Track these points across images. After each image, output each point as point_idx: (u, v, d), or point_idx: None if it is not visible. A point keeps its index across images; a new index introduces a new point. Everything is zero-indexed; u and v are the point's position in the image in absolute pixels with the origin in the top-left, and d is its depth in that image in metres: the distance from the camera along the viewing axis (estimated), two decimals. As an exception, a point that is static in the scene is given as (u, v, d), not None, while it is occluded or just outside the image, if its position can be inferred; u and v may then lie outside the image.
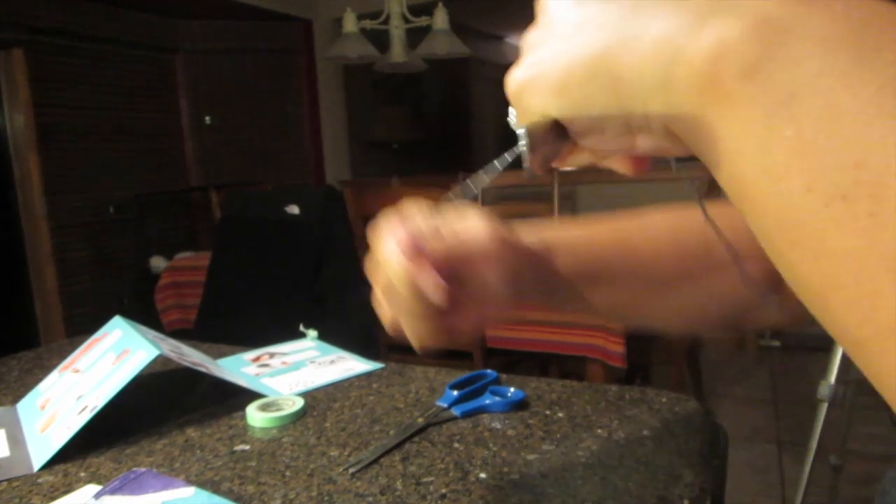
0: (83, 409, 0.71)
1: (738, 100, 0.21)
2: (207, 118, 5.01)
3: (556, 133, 0.30)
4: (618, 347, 1.84)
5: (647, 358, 2.44)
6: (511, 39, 8.63)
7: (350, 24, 3.15)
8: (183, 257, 3.38)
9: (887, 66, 0.18)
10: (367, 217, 2.41)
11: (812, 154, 0.19)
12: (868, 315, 0.19)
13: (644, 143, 0.27)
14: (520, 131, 0.32)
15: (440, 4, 3.14)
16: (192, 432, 0.73)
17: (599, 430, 0.67)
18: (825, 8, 0.20)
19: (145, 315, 1.91)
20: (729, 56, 0.21)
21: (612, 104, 0.26)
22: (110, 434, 0.71)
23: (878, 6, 0.20)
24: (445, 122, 7.22)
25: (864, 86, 0.18)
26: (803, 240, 0.20)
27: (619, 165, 0.32)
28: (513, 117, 0.34)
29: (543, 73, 0.28)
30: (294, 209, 2.28)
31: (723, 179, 0.23)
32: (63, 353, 0.93)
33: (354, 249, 2.35)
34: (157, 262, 4.25)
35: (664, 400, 0.73)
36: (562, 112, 0.28)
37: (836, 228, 0.19)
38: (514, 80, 0.31)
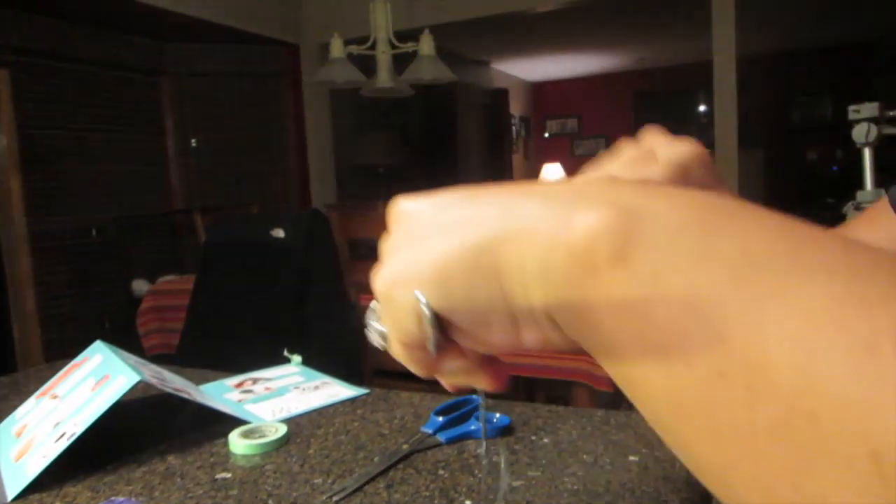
0: (60, 437, 0.70)
1: (612, 283, 0.22)
2: (193, 141, 5.00)
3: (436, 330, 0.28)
4: (604, 371, 1.84)
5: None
6: (496, 65, 8.72)
7: (337, 49, 3.17)
8: (166, 280, 3.35)
9: (730, 246, 0.20)
10: (353, 240, 2.41)
11: (685, 332, 0.20)
12: (768, 491, 0.19)
13: (530, 337, 0.26)
14: (381, 328, 0.30)
15: (426, 31, 3.17)
16: (172, 460, 0.71)
17: (585, 456, 0.67)
18: (670, 199, 0.23)
19: (126, 339, 1.89)
20: (599, 242, 0.22)
21: (496, 296, 0.25)
22: (88, 462, 0.70)
23: (709, 197, 0.23)
24: (431, 146, 7.25)
25: (713, 262, 0.20)
26: (694, 417, 0.21)
27: (485, 381, 0.31)
28: (374, 329, 0.32)
29: (419, 265, 0.27)
30: (279, 232, 2.27)
31: (609, 367, 0.24)
32: (41, 379, 0.92)
33: (340, 273, 2.34)
34: (140, 286, 4.21)
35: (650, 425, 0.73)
36: (442, 304, 0.26)
37: (721, 405, 0.20)
38: (385, 276, 0.28)
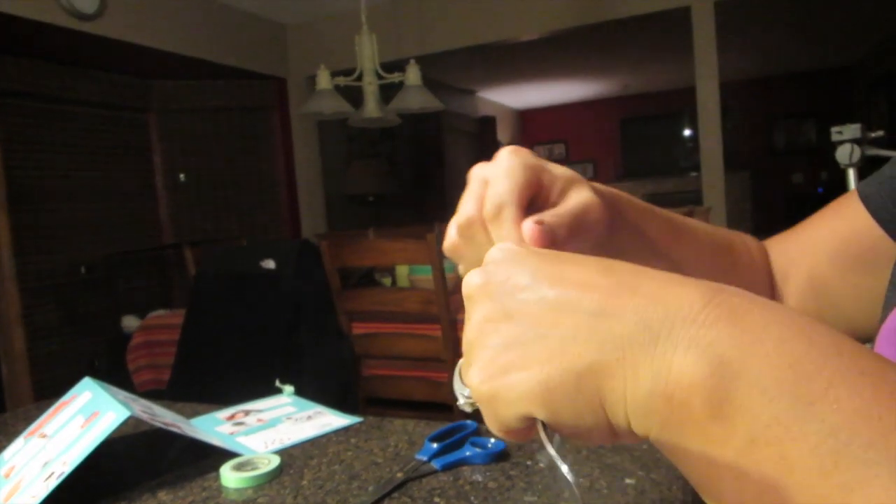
0: (49, 476, 0.69)
1: (708, 439, 0.24)
2: (181, 176, 5.01)
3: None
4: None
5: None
6: (482, 93, 8.81)
7: (324, 81, 3.20)
8: (156, 315, 3.32)
9: (821, 421, 0.21)
10: (344, 269, 2.40)
11: (775, 497, 0.22)
12: None
13: (626, 440, 0.28)
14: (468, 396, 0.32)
15: (412, 61, 3.21)
16: (163, 496, 0.70)
17: (581, 480, 0.66)
18: (764, 345, 0.23)
19: (117, 376, 1.87)
20: (696, 398, 0.23)
21: (602, 420, 0.26)
22: (78, 501, 0.69)
23: (805, 336, 0.23)
24: (420, 174, 7.29)
25: (805, 440, 0.21)
26: None
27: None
28: (461, 394, 0.33)
29: (522, 386, 0.27)
30: (270, 264, 2.26)
31: (702, 490, 0.26)
32: (30, 418, 0.91)
33: (331, 303, 2.33)
34: (130, 322, 4.17)
35: (645, 447, 0.73)
36: (548, 419, 0.27)
37: None
38: (487, 384, 0.28)
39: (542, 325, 0.27)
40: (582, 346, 0.26)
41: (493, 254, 0.31)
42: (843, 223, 0.52)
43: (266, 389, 1.08)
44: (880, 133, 2.16)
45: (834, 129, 2.13)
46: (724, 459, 0.23)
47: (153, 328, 2.96)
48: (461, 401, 0.33)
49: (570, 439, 0.29)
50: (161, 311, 3.52)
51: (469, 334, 0.30)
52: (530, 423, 0.28)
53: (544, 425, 0.28)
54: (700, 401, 0.23)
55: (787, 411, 0.22)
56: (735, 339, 0.23)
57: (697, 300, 0.25)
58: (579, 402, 0.26)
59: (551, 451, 0.27)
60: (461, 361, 0.32)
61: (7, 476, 0.75)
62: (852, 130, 2.06)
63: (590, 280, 0.28)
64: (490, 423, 0.30)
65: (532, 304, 0.28)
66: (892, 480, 0.20)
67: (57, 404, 0.87)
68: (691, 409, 0.24)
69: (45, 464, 0.72)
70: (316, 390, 1.14)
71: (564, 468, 0.26)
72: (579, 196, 0.37)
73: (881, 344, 0.40)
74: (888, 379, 0.22)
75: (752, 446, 0.22)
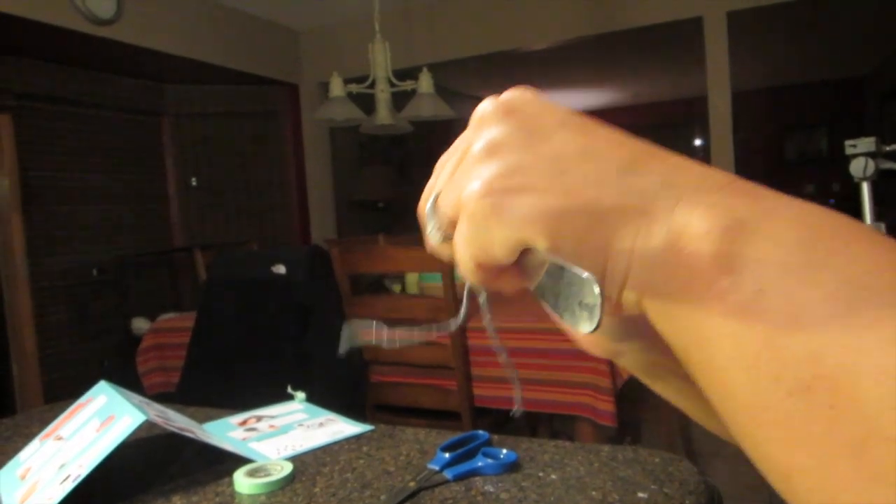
0: (66, 479, 0.69)
1: (715, 291, 0.23)
2: (194, 180, 5.04)
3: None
4: (607, 406, 1.83)
5: (637, 416, 2.42)
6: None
7: (337, 88, 3.22)
8: (166, 318, 3.34)
9: (837, 271, 0.21)
10: (354, 275, 2.41)
11: (778, 348, 0.21)
12: (831, 497, 0.21)
13: (610, 309, 0.27)
14: (438, 224, 0.29)
15: (424, 69, 3.22)
16: (177, 500, 0.71)
17: (594, 493, 0.66)
18: (782, 213, 0.23)
19: (127, 378, 1.88)
20: (711, 246, 0.23)
21: (598, 269, 0.25)
22: (93, 503, 0.69)
23: (824, 213, 0.23)
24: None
25: (819, 287, 0.21)
26: (771, 424, 0.22)
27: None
28: (433, 222, 0.30)
29: (533, 209, 0.26)
30: (280, 269, 2.27)
31: (692, 363, 0.25)
32: (44, 420, 0.91)
33: (341, 308, 2.33)
34: (140, 324, 4.19)
35: (657, 460, 0.73)
36: (546, 247, 0.26)
37: (801, 416, 0.21)
38: (491, 197, 0.26)
39: (564, 163, 0.26)
40: (604, 189, 0.25)
41: (511, 91, 0.30)
42: None
43: (275, 394, 1.08)
44: (895, 146, 2.14)
45: (848, 143, 2.12)
46: (728, 312, 0.23)
47: (163, 331, 2.97)
48: (430, 228, 0.30)
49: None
50: (171, 314, 3.54)
51: (473, 151, 0.28)
52: (513, 257, 0.27)
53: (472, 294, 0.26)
54: (711, 250, 0.23)
55: (801, 262, 0.22)
56: (754, 206, 0.24)
57: (721, 178, 0.25)
58: (586, 243, 0.25)
59: (566, 264, 0.26)
60: (435, 193, 0.30)
61: (23, 478, 0.76)
62: (867, 144, 2.05)
63: (620, 140, 0.27)
64: (467, 249, 0.28)
65: (558, 142, 0.27)
66: None
67: (73, 406, 0.88)
68: (700, 259, 0.23)
69: (62, 466, 0.73)
70: (325, 396, 1.14)
71: (587, 274, 0.25)
72: None
73: None
74: None
75: (761, 295, 0.22)
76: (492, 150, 0.27)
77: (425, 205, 0.31)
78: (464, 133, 0.30)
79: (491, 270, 0.28)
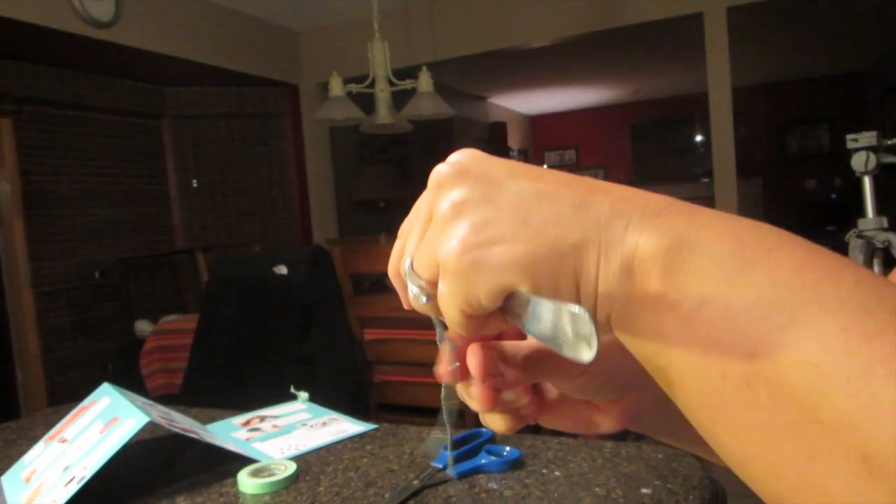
0: (70, 481, 0.70)
1: (666, 305, 0.26)
2: (194, 181, 5.04)
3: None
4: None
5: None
6: (493, 99, 8.82)
7: (337, 88, 3.22)
8: (169, 320, 3.35)
9: (763, 276, 0.25)
10: (356, 275, 2.41)
11: (722, 349, 0.25)
12: (779, 477, 0.24)
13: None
14: (421, 284, 0.31)
15: (424, 68, 3.22)
16: (182, 501, 0.71)
17: (597, 489, 0.66)
18: (714, 226, 0.27)
19: (130, 380, 1.88)
20: (657, 265, 0.27)
21: (574, 295, 0.28)
22: (98, 505, 0.69)
23: (748, 223, 0.27)
24: (431, 181, 7.29)
25: (748, 292, 0.25)
26: (723, 417, 0.26)
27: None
28: (414, 284, 0.31)
29: (505, 257, 0.28)
30: (282, 269, 2.27)
31: (655, 371, 0.29)
32: (48, 423, 0.92)
33: (343, 308, 2.34)
34: (143, 326, 4.20)
35: (661, 456, 0.73)
36: (528, 289, 0.28)
37: (747, 408, 0.25)
38: (466, 253, 0.28)
39: (524, 210, 0.29)
40: (565, 228, 0.28)
41: (457, 155, 0.32)
42: None
43: (278, 394, 1.09)
44: (896, 140, 2.14)
45: (849, 137, 2.12)
46: (677, 319, 0.26)
47: (166, 333, 2.98)
48: (414, 290, 0.32)
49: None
50: (174, 316, 3.54)
51: (439, 215, 0.30)
52: (498, 303, 0.29)
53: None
54: (658, 270, 0.26)
55: (733, 271, 0.25)
56: (690, 223, 0.27)
57: (660, 201, 0.28)
58: (560, 277, 0.28)
59: (554, 301, 0.28)
60: (409, 258, 0.32)
61: (28, 480, 0.76)
62: (868, 138, 2.05)
63: (566, 180, 0.30)
64: (453, 303, 0.30)
65: (512, 193, 0.29)
66: (819, 313, 0.23)
67: (76, 409, 0.88)
68: (650, 278, 0.27)
69: (66, 468, 0.73)
70: (328, 396, 1.14)
71: (577, 308, 0.27)
72: None
73: None
74: (818, 248, 0.26)
75: (702, 304, 0.25)
76: (457, 211, 0.30)
77: (396, 267, 0.33)
78: (421, 199, 0.32)
79: (478, 319, 0.30)
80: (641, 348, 0.28)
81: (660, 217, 0.28)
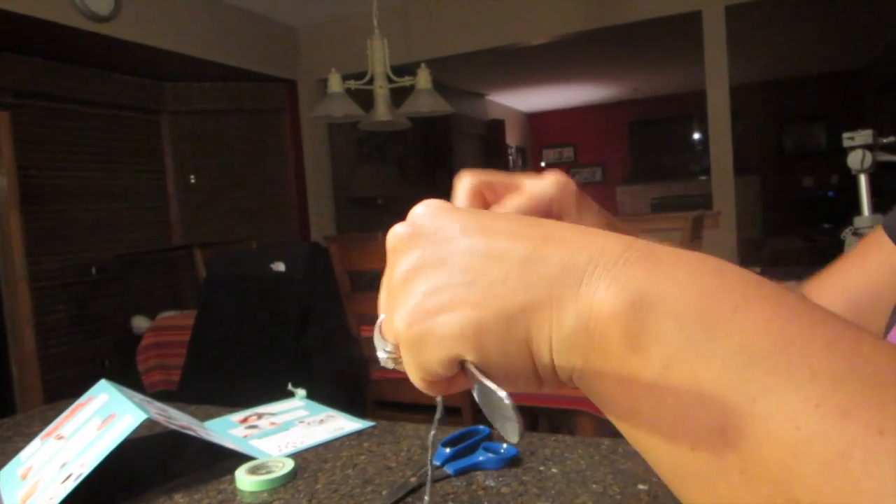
0: (67, 478, 0.70)
1: (627, 370, 0.25)
2: (192, 177, 5.03)
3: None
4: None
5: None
6: (492, 97, 8.82)
7: (335, 84, 3.21)
8: (166, 317, 3.34)
9: (729, 342, 0.23)
10: (353, 272, 2.41)
11: (690, 419, 0.23)
12: None
13: (550, 388, 0.28)
14: (390, 351, 0.32)
15: (423, 65, 3.22)
16: (179, 498, 0.71)
17: (594, 486, 0.66)
18: (678, 282, 0.25)
19: (127, 377, 1.88)
20: (618, 327, 0.25)
21: (527, 360, 0.27)
22: (95, 502, 0.69)
23: (713, 271, 0.25)
24: (429, 177, 7.30)
25: (716, 360, 0.23)
26: (696, 488, 0.25)
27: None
28: (382, 349, 0.32)
29: (452, 326, 0.27)
30: (280, 266, 2.27)
31: (621, 428, 0.27)
32: (45, 419, 0.92)
33: (341, 305, 2.34)
34: (140, 323, 4.20)
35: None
36: (478, 361, 0.28)
37: (720, 481, 0.23)
38: (416, 326, 0.28)
39: (472, 271, 0.28)
40: (512, 288, 0.27)
41: (418, 209, 0.32)
42: (872, 262, 0.52)
43: (275, 391, 1.09)
44: (892, 139, 2.15)
45: (846, 135, 2.12)
46: (642, 387, 0.24)
47: (163, 329, 2.97)
48: (382, 356, 0.32)
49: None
50: (171, 312, 3.54)
51: (393, 282, 0.30)
52: (454, 370, 0.29)
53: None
54: (618, 332, 0.25)
55: (697, 335, 0.24)
56: (651, 275, 0.25)
57: (618, 246, 0.26)
58: (509, 343, 0.27)
59: (487, 382, 0.27)
60: (382, 317, 0.32)
61: (24, 477, 0.76)
62: (864, 136, 2.06)
63: (518, 231, 0.28)
64: (413, 371, 0.30)
65: (461, 252, 0.28)
66: (790, 384, 0.22)
67: (73, 405, 0.88)
68: (610, 340, 0.25)
69: (63, 465, 0.73)
70: (325, 393, 1.14)
71: (503, 394, 0.26)
72: (537, 183, 0.38)
73: None
74: (786, 301, 0.24)
75: (667, 371, 0.24)
76: (409, 277, 0.29)
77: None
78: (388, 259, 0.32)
79: (440, 383, 0.30)
80: (608, 410, 0.27)
81: (617, 265, 0.26)
